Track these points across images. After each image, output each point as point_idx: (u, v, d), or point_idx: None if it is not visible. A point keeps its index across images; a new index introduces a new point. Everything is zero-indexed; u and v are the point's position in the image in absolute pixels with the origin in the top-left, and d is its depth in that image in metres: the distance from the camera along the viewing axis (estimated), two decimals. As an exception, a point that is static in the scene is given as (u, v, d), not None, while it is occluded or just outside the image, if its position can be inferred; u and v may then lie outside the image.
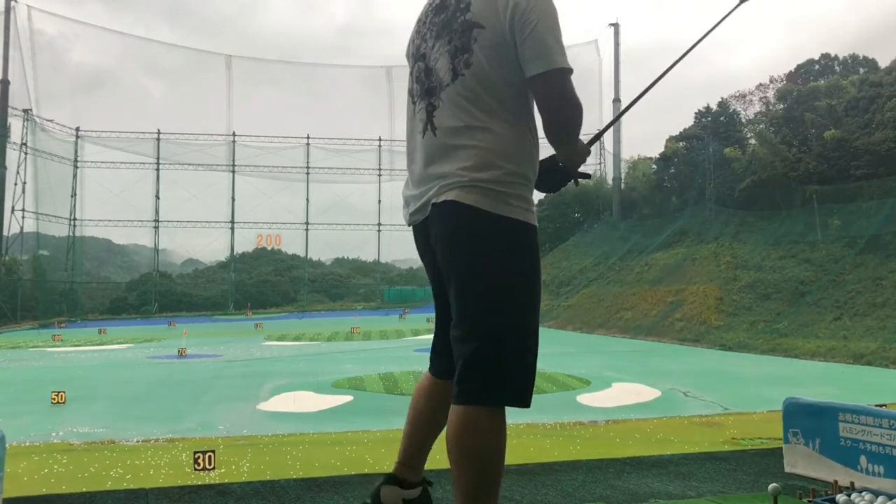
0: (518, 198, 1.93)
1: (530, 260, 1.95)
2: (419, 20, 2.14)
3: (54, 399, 12.18)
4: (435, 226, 2.00)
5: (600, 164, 51.81)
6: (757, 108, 47.02)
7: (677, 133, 45.35)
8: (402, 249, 52.11)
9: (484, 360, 1.88)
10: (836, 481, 3.08)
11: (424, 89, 2.04)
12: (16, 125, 41.41)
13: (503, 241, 1.90)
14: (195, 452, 6.83)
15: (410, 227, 2.17)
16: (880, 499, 2.79)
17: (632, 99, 2.52)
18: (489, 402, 1.87)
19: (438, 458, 2.19)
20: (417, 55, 2.10)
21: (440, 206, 1.94)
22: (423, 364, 2.35)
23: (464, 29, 1.93)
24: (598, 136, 2.46)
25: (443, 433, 2.12)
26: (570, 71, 1.88)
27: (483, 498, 1.87)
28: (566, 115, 1.91)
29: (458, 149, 1.93)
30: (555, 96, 1.88)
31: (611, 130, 49.29)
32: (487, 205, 1.88)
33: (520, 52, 1.87)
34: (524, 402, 1.91)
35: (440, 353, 2.20)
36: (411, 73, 2.14)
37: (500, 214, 1.89)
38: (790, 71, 47.98)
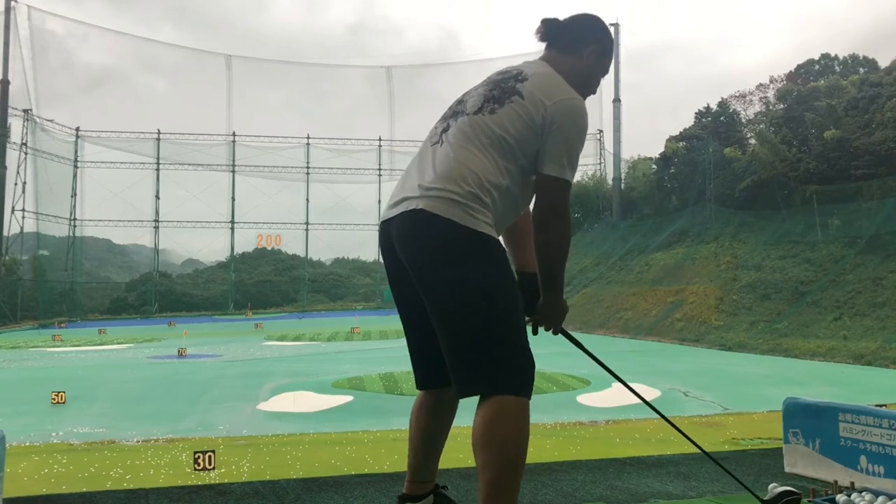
0: (480, 212, 2.04)
1: (498, 264, 2.08)
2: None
3: (54, 399, 12.17)
4: (402, 231, 2.11)
5: (600, 164, 51.83)
6: (757, 108, 47.07)
7: (677, 133, 45.37)
8: (402, 249, 51.97)
9: (485, 352, 1.99)
10: (836, 481, 3.08)
11: (451, 112, 2.24)
12: (16, 125, 41.49)
13: (472, 248, 2.02)
14: (195, 452, 6.81)
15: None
16: (880, 499, 2.79)
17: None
18: (513, 391, 1.98)
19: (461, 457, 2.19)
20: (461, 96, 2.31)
21: (411, 213, 2.07)
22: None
23: (509, 90, 2.15)
24: (570, 338, 2.47)
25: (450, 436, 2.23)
26: (570, 185, 2.13)
27: (508, 484, 1.95)
28: (552, 221, 2.09)
29: (445, 159, 2.10)
30: (551, 199, 2.10)
31: (611, 130, 49.50)
32: (453, 214, 2.01)
33: (541, 147, 2.10)
34: (530, 391, 2.04)
35: (421, 362, 2.29)
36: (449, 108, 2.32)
37: (465, 225, 2.01)
38: (790, 71, 48.02)
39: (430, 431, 2.31)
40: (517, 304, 2.11)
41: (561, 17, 2.34)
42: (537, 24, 2.32)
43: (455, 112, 2.22)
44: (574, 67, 2.25)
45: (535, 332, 2.35)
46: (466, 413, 2.19)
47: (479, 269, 2.02)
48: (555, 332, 2.35)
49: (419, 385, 2.33)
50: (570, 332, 2.44)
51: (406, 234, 2.09)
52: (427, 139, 2.26)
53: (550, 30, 2.30)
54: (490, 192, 2.07)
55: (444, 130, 2.19)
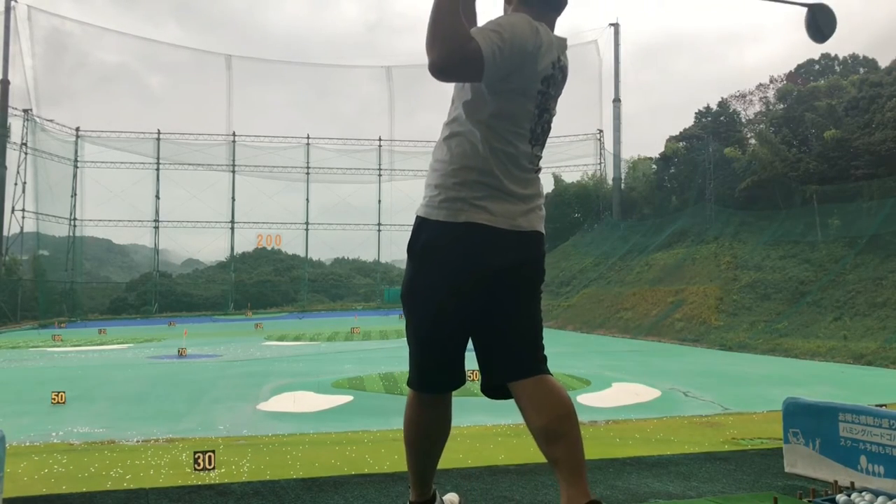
0: None
1: None
2: (552, 58, 2.12)
3: (54, 399, 12.18)
4: (532, 251, 2.21)
5: (600, 163, 51.82)
6: (757, 108, 47.13)
7: (677, 133, 45.38)
8: (402, 249, 51.55)
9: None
10: (836, 481, 3.08)
11: (539, 132, 2.20)
12: (16, 125, 41.53)
13: None
14: (195, 452, 6.81)
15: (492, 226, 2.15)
16: (880, 499, 2.79)
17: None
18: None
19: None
20: (545, 91, 2.15)
21: (539, 235, 2.23)
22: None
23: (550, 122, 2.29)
24: None
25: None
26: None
27: None
28: None
29: (539, 194, 2.26)
30: None
31: (611, 130, 49.50)
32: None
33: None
34: None
35: (458, 364, 2.28)
36: (533, 89, 2.11)
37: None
38: (790, 71, 48.08)
39: (447, 434, 2.38)
40: None
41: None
42: None
43: (541, 134, 2.25)
44: None
45: None
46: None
47: None
48: None
49: (448, 388, 2.28)
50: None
51: (537, 253, 2.25)
52: (521, 141, 2.20)
53: None
54: None
55: (537, 158, 2.27)
